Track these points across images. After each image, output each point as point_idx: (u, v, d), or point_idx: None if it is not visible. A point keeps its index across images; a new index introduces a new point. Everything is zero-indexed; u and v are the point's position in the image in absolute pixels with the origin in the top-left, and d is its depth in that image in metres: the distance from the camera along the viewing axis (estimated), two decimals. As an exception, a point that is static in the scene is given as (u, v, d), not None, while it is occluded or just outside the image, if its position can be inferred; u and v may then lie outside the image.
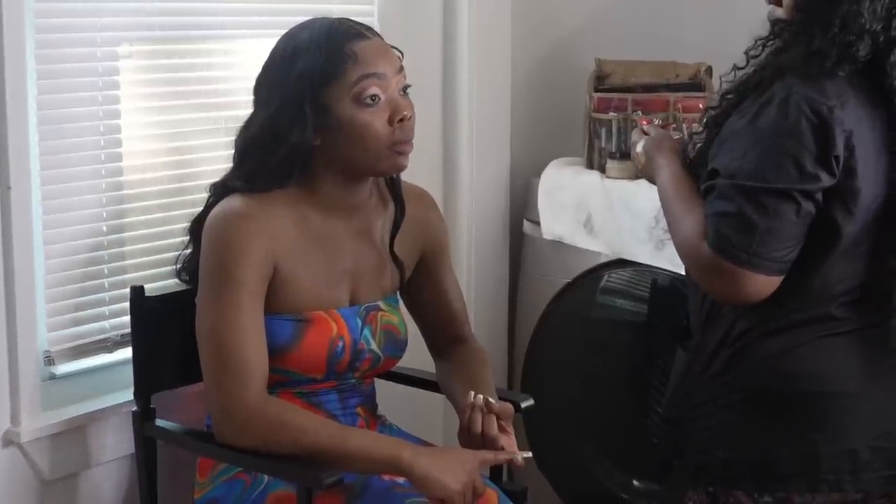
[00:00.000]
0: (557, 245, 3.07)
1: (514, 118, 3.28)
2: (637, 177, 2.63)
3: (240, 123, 2.14)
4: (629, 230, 2.93)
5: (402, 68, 2.11)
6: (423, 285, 2.32)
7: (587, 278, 3.03)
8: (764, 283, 1.87)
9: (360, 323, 2.16)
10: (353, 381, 2.19)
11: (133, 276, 2.42)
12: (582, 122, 3.12)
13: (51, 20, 2.26)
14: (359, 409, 2.21)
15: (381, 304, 2.21)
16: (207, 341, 2.02)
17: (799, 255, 1.89)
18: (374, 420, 2.26)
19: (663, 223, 2.10)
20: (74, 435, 2.36)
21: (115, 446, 2.41)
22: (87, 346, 2.40)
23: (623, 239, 2.95)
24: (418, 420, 2.63)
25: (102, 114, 2.37)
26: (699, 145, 2.06)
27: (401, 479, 2.02)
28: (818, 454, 1.94)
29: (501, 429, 2.06)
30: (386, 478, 2.06)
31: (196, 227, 2.14)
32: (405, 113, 2.07)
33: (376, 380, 2.30)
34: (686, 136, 2.19)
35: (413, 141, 2.11)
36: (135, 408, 2.25)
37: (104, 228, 2.40)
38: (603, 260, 3.01)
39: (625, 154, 2.92)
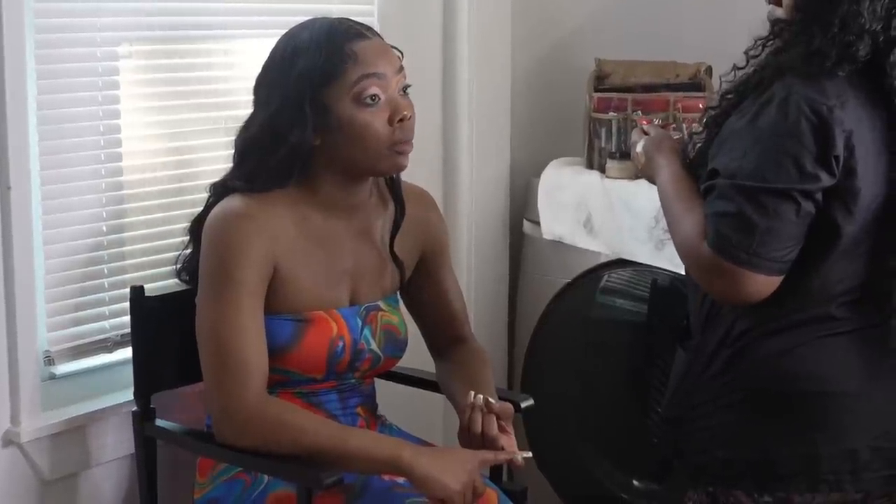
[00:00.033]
0: (557, 245, 3.07)
1: (514, 118, 3.28)
2: (637, 177, 2.63)
3: (240, 123, 2.14)
4: (629, 230, 2.93)
5: (402, 68, 2.11)
6: (423, 285, 2.32)
7: (587, 278, 3.03)
8: (764, 283, 1.87)
9: (360, 323, 2.16)
10: (353, 381, 2.19)
11: (133, 276, 2.42)
12: (582, 121, 3.12)
13: (51, 20, 2.27)
14: (359, 409, 2.21)
15: (381, 304, 2.21)
16: (207, 341, 2.02)
17: (799, 255, 1.89)
18: (374, 420, 2.26)
19: (663, 223, 2.10)
20: (74, 435, 2.36)
21: (115, 446, 2.41)
22: (87, 346, 2.40)
23: (623, 239, 2.95)
24: (418, 420, 2.63)
25: (102, 114, 2.38)
26: (699, 145, 2.06)
27: (401, 479, 2.02)
28: (818, 454, 1.94)
29: (501, 429, 2.06)
30: (386, 478, 2.06)
31: (196, 227, 2.14)
32: (405, 113, 2.07)
33: (376, 380, 2.30)
34: (686, 136, 2.19)
35: (413, 141, 2.11)
36: (135, 408, 2.25)
37: (104, 228, 2.40)
38: (603, 260, 3.01)
39: (625, 154, 2.92)
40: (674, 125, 2.62)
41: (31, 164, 2.23)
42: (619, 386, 3.03)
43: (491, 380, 2.26)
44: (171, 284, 2.28)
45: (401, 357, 2.26)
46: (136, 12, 2.44)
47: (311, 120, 2.03)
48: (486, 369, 2.28)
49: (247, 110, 2.14)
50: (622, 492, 3.05)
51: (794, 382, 1.95)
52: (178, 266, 2.20)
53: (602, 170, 3.03)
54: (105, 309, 2.41)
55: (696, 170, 2.03)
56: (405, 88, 2.10)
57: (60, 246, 2.32)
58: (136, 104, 2.46)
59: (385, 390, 2.36)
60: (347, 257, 2.16)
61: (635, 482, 3.06)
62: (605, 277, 3.02)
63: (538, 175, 3.12)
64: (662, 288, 2.92)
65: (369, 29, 2.12)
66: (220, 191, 2.12)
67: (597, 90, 3.07)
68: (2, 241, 2.20)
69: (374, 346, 2.18)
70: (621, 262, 2.98)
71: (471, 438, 2.05)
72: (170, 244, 2.36)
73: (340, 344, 2.12)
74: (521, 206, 3.25)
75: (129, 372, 2.27)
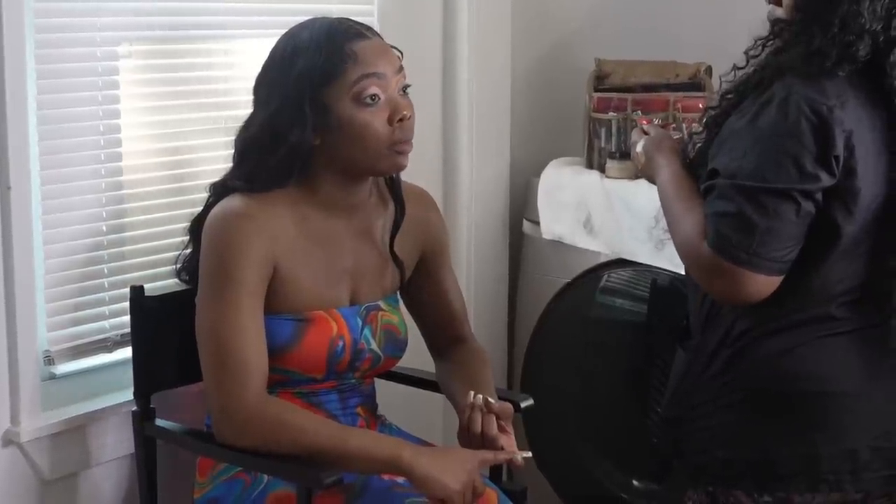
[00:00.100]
0: (557, 245, 3.07)
1: (514, 118, 3.28)
2: (637, 177, 2.63)
3: (240, 123, 2.14)
4: (629, 230, 2.93)
5: (401, 68, 2.11)
6: (422, 285, 2.32)
7: (587, 278, 3.03)
8: (764, 283, 1.87)
9: (360, 322, 2.16)
10: (353, 380, 2.19)
11: (133, 276, 2.42)
12: (582, 121, 3.12)
13: (51, 20, 2.27)
14: (359, 409, 2.21)
15: (381, 303, 2.21)
16: (207, 341, 2.02)
17: (799, 255, 1.89)
18: (374, 420, 2.26)
19: (663, 223, 2.10)
20: (74, 435, 2.36)
21: (114, 446, 2.41)
22: (87, 346, 2.40)
23: (623, 239, 2.95)
24: (418, 420, 2.63)
25: (102, 114, 2.38)
26: (699, 145, 2.06)
27: (401, 479, 2.02)
28: (818, 454, 1.94)
29: (501, 429, 2.06)
30: (386, 477, 2.06)
31: (196, 226, 2.14)
32: (405, 112, 2.07)
33: (376, 380, 2.30)
34: (686, 136, 2.19)
35: (413, 141, 2.11)
36: (135, 408, 2.25)
37: (104, 228, 2.40)
38: (603, 260, 3.01)
39: (625, 154, 2.92)
40: (674, 125, 2.62)
41: (31, 164, 2.23)
42: (618, 386, 3.03)
43: (491, 380, 2.26)
44: (171, 284, 2.28)
45: (401, 357, 2.26)
46: (136, 12, 2.44)
47: (310, 120, 2.03)
48: (485, 369, 2.28)
49: (247, 110, 2.14)
50: (622, 492, 3.05)
51: (794, 382, 1.95)
52: (178, 266, 2.20)
53: (602, 170, 3.03)
54: (105, 309, 2.41)
55: (696, 170, 2.03)
56: (405, 88, 2.10)
57: (60, 246, 2.32)
58: (136, 104, 2.46)
59: (385, 390, 2.36)
60: (347, 257, 2.16)
61: (635, 482, 3.06)
62: (605, 277, 3.02)
63: (538, 175, 3.12)
64: (662, 288, 2.92)
65: (369, 29, 2.12)
66: (219, 191, 2.12)
67: (597, 90, 3.07)
68: (2, 241, 2.20)
69: (374, 345, 2.18)
70: (621, 262, 2.98)
71: (470, 438, 2.05)
72: (170, 244, 2.36)
73: (340, 344, 2.12)
74: (521, 205, 3.25)
75: (128, 372, 2.27)
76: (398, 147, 2.08)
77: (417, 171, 2.32)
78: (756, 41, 2.00)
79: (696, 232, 1.91)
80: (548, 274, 3.11)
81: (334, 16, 2.12)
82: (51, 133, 2.27)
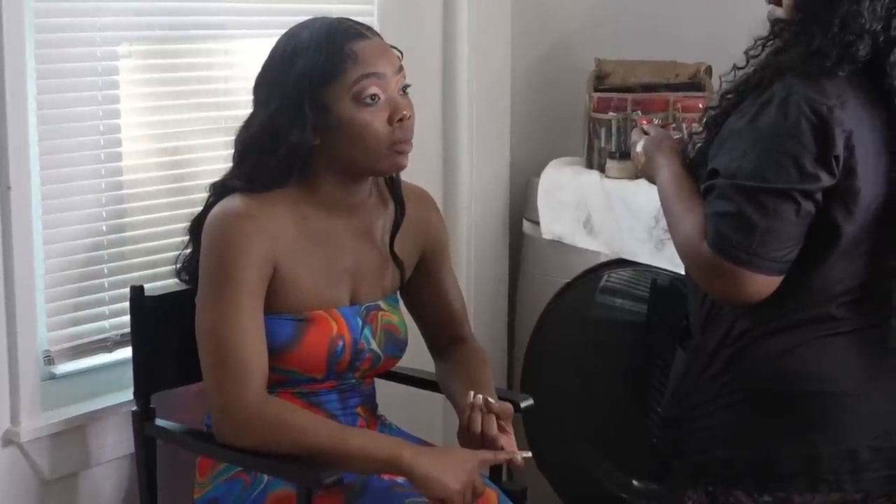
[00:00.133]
0: (557, 245, 3.07)
1: (514, 118, 3.28)
2: (637, 176, 2.63)
3: (240, 123, 2.14)
4: (629, 230, 2.93)
5: (401, 68, 2.11)
6: (422, 285, 2.32)
7: (587, 278, 3.03)
8: (764, 283, 1.87)
9: (360, 322, 2.16)
10: (353, 380, 2.19)
11: (133, 276, 2.42)
12: (582, 121, 3.12)
13: (51, 20, 2.27)
14: (359, 409, 2.21)
15: (381, 303, 2.21)
16: (207, 341, 2.02)
17: (799, 255, 1.89)
18: (374, 420, 2.26)
19: (663, 223, 2.10)
20: (74, 435, 2.36)
21: (114, 446, 2.41)
22: (87, 346, 2.40)
23: (623, 239, 2.95)
24: (418, 420, 2.63)
25: (102, 114, 2.38)
26: (699, 145, 2.06)
27: (400, 479, 2.02)
28: (818, 454, 1.94)
29: (501, 428, 2.06)
30: (386, 477, 2.06)
31: (196, 226, 2.14)
32: (405, 112, 2.07)
33: (376, 380, 2.30)
34: (686, 136, 2.19)
35: (413, 140, 2.11)
36: (134, 407, 2.25)
37: (104, 228, 2.40)
38: (602, 260, 3.01)
39: (624, 154, 2.92)
40: (674, 125, 2.62)
41: (31, 164, 2.23)
42: (618, 386, 3.03)
43: (491, 380, 2.26)
44: (171, 284, 2.28)
45: (401, 357, 2.26)
46: (136, 12, 2.44)
47: (310, 119, 2.03)
48: (485, 369, 2.28)
49: (247, 110, 2.14)
50: (622, 492, 3.05)
51: (794, 382, 1.95)
52: (178, 266, 2.20)
53: (602, 170, 3.03)
54: (105, 309, 2.41)
55: (696, 170, 2.03)
56: (405, 88, 2.10)
57: (60, 246, 2.32)
58: (136, 104, 2.46)
59: (385, 390, 2.36)
60: (347, 257, 2.16)
61: (635, 482, 3.06)
62: (605, 277, 3.02)
63: (538, 175, 3.12)
64: (662, 288, 2.92)
65: (369, 29, 2.12)
66: (219, 191, 2.12)
67: (597, 90, 3.07)
68: (2, 241, 2.20)
69: (374, 345, 2.18)
70: (621, 262, 2.98)
71: (470, 438, 2.05)
72: (170, 244, 2.37)
73: (340, 343, 2.12)
74: (521, 205, 3.25)
75: (128, 372, 2.27)
76: (398, 147, 2.08)
77: (417, 171, 2.32)
78: (756, 41, 2.00)
79: (696, 232, 1.91)
80: (548, 274, 3.11)
81: (334, 16, 2.12)
82: (51, 133, 2.27)
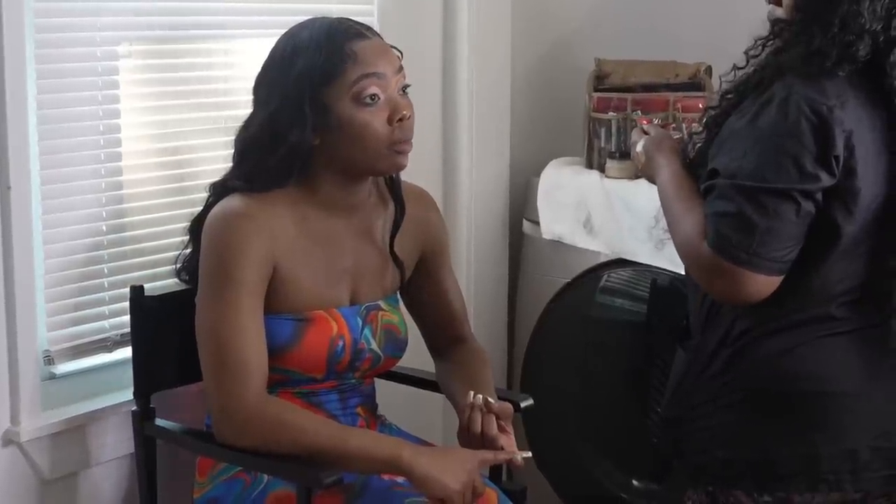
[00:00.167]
0: (557, 245, 3.07)
1: (514, 118, 3.28)
2: (637, 176, 2.63)
3: (240, 123, 2.14)
4: (629, 230, 2.93)
5: (401, 68, 2.11)
6: (422, 285, 2.32)
7: (587, 278, 3.03)
8: (764, 283, 1.87)
9: (360, 322, 2.16)
10: (353, 380, 2.19)
11: (133, 276, 2.42)
12: (581, 121, 3.12)
13: (51, 20, 2.27)
14: (359, 409, 2.21)
15: (381, 303, 2.21)
16: (207, 341, 2.02)
17: (799, 255, 1.89)
18: (374, 420, 2.26)
19: (663, 223, 2.10)
20: (74, 434, 2.36)
21: (114, 446, 2.41)
22: (87, 346, 2.40)
23: (623, 239, 2.95)
24: (418, 420, 2.63)
25: (102, 114, 2.38)
26: (699, 145, 2.06)
27: (400, 479, 2.02)
28: (818, 454, 1.94)
29: (501, 428, 2.06)
30: (386, 477, 2.06)
31: (196, 226, 2.14)
32: (404, 112, 2.07)
33: (376, 380, 2.30)
34: (686, 136, 2.19)
35: (412, 140, 2.11)
36: (134, 407, 2.25)
37: (104, 228, 2.40)
38: (602, 260, 3.01)
39: (624, 154, 2.92)
40: (674, 125, 2.62)
41: (31, 164, 2.23)
42: (618, 386, 3.03)
43: (490, 380, 2.26)
44: (171, 284, 2.28)
45: (401, 357, 2.26)
46: (136, 12, 2.44)
47: (310, 119, 2.03)
48: (485, 369, 2.28)
49: (247, 110, 2.14)
50: (622, 492, 3.05)
51: (794, 382, 1.95)
52: (178, 266, 2.20)
53: (602, 169, 3.03)
54: (105, 308, 2.41)
55: (696, 170, 2.03)
56: (405, 88, 2.10)
57: (60, 246, 2.32)
58: (136, 104, 2.46)
59: (385, 390, 2.36)
60: (347, 257, 2.16)
61: (635, 482, 3.06)
62: (605, 277, 3.02)
63: (538, 175, 3.12)
64: (662, 288, 2.92)
65: (369, 29, 2.12)
66: (219, 190, 2.12)
67: (596, 90, 3.07)
68: (2, 241, 2.20)
69: (374, 345, 2.18)
70: (621, 262, 2.98)
71: (470, 438, 2.05)
72: (170, 244, 2.36)
73: (340, 343, 2.12)
74: (521, 205, 3.25)
75: (128, 372, 2.27)
76: (398, 147, 2.08)
77: (417, 171, 2.32)
78: (756, 41, 2.00)
79: (696, 232, 1.91)
80: (548, 274, 3.11)
81: (334, 16, 2.12)
82: (51, 133, 2.27)
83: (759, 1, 2.04)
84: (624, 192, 2.93)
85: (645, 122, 2.34)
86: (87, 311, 2.39)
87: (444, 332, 2.34)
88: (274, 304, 2.06)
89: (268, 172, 2.07)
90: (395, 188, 2.23)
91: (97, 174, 2.38)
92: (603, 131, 3.04)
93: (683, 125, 2.43)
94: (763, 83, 1.92)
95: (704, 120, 2.06)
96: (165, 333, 2.24)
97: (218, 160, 2.46)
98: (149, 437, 2.25)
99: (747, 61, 2.00)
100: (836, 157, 1.85)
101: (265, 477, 2.09)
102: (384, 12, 2.91)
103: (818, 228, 1.88)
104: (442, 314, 2.34)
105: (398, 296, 2.29)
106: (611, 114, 3.03)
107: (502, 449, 2.04)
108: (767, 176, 1.84)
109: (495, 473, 2.26)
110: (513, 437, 2.08)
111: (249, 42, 2.63)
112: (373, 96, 2.05)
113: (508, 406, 2.10)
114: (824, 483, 1.95)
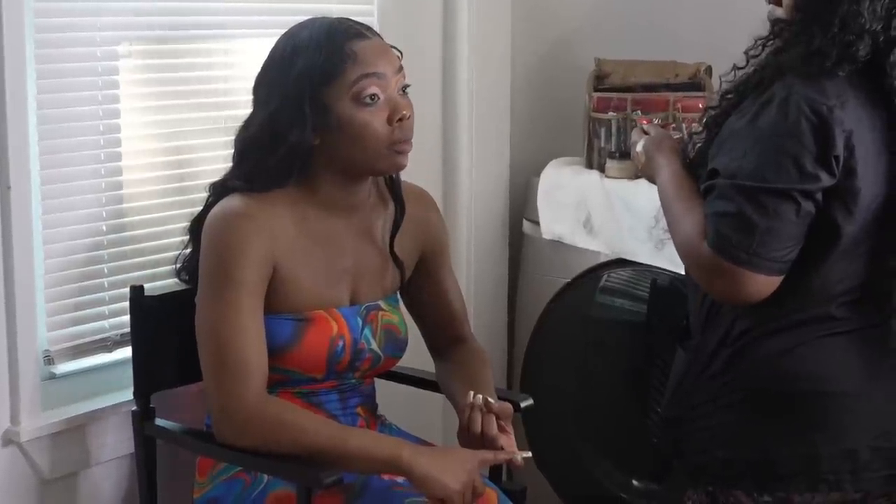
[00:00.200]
0: (557, 245, 3.07)
1: (514, 117, 3.28)
2: (637, 176, 2.63)
3: (240, 123, 2.14)
4: (629, 230, 2.93)
5: (401, 68, 2.11)
6: (422, 285, 2.32)
7: (587, 278, 3.03)
8: (764, 283, 1.87)
9: (360, 322, 2.16)
10: (353, 380, 2.19)
11: (133, 276, 2.42)
12: (581, 121, 3.12)
13: (51, 20, 2.27)
14: (359, 409, 2.21)
15: (381, 303, 2.21)
16: (207, 341, 2.02)
17: (799, 255, 1.89)
18: (374, 420, 2.26)
19: (663, 223, 2.10)
20: (74, 434, 2.36)
21: (114, 446, 2.41)
22: (87, 346, 2.40)
23: (623, 239, 2.95)
24: (418, 420, 2.63)
25: (102, 113, 2.38)
26: (699, 145, 2.06)
27: (400, 479, 2.02)
28: (818, 454, 1.94)
29: (501, 428, 2.06)
30: (386, 477, 2.06)
31: (196, 226, 2.14)
32: (404, 112, 2.07)
33: (376, 380, 2.30)
34: (686, 136, 2.19)
35: (412, 140, 2.11)
36: (134, 407, 2.25)
37: (104, 228, 2.40)
38: (602, 259, 3.01)
39: (624, 154, 2.92)
40: (674, 125, 2.62)
41: (31, 164, 2.23)
42: (618, 386, 3.03)
43: (490, 380, 2.26)
44: (171, 284, 2.28)
45: (401, 357, 2.26)
46: (136, 12, 2.44)
47: (310, 119, 2.03)
48: (485, 369, 2.28)
49: (247, 110, 2.14)
50: (622, 492, 3.05)
51: (794, 382, 1.95)
52: (178, 266, 2.20)
53: (602, 169, 3.03)
54: (105, 308, 2.41)
55: (696, 170, 2.03)
56: (404, 88, 2.10)
57: (60, 246, 2.32)
58: (136, 104, 2.46)
59: (385, 390, 2.36)
60: (348, 257, 2.16)
61: (635, 482, 3.06)
62: (605, 277, 3.02)
63: (538, 174, 3.12)
64: (662, 288, 2.92)
65: (369, 29, 2.12)
66: (219, 190, 2.12)
67: (596, 90, 3.07)
68: (2, 241, 2.20)
69: (374, 345, 2.18)
70: (621, 262, 2.98)
71: (470, 438, 2.05)
72: (170, 244, 2.36)
73: (340, 343, 2.12)
74: (521, 205, 3.25)
75: (128, 371, 2.27)
76: (398, 147, 2.08)
77: (417, 171, 2.32)
78: (756, 41, 2.00)
79: (696, 232, 1.91)
80: (548, 274, 3.11)
81: (334, 16, 2.12)
82: (51, 133, 2.27)
83: (759, 1, 2.04)
84: (624, 192, 2.93)
85: (645, 122, 2.34)
86: (87, 311, 2.39)
87: (444, 332, 2.34)
88: (274, 304, 2.06)
89: (268, 172, 2.07)
90: (395, 188, 2.23)
91: (97, 174, 2.38)
92: (603, 131, 3.04)
93: (683, 125, 2.43)
94: (763, 83, 1.92)
95: (704, 120, 2.06)
96: (165, 333, 2.24)
97: (218, 160, 2.46)
98: (149, 437, 2.25)
99: (747, 61, 2.00)
100: (836, 157, 1.85)
101: (265, 477, 2.09)
102: (384, 12, 2.91)
103: (818, 228, 1.88)
104: (442, 314, 2.34)
105: (398, 296, 2.29)
106: (611, 114, 3.03)
107: (502, 449, 2.04)
108: (767, 176, 1.84)
109: (495, 473, 2.26)
110: (513, 437, 2.08)
111: (249, 42, 2.63)
112: (373, 96, 2.04)
113: (508, 406, 2.10)
114: (824, 483, 1.95)
